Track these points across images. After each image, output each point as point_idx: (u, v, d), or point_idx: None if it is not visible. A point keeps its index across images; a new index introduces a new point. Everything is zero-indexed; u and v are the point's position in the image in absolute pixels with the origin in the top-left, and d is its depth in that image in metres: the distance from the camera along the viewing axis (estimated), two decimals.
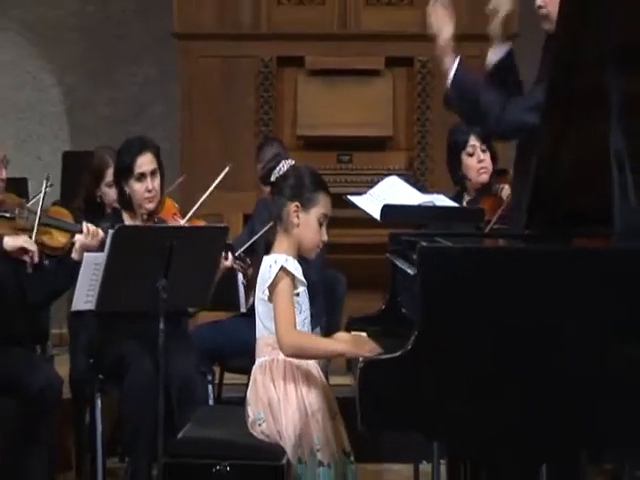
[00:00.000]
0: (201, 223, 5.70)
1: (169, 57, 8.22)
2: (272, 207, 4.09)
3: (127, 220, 5.50)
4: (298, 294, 3.93)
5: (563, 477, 3.39)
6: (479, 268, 3.28)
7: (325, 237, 4.01)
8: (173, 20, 7.97)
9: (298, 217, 3.95)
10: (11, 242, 5.05)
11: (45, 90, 9.08)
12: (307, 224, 3.96)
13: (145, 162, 5.42)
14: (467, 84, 4.63)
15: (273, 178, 4.01)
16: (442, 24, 4.76)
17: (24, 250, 5.02)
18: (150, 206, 5.48)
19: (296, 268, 3.90)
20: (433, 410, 3.24)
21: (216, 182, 5.68)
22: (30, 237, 5.08)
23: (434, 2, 4.82)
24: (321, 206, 3.98)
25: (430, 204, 5.50)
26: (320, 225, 3.98)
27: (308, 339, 3.94)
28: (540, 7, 4.62)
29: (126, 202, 5.51)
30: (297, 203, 3.95)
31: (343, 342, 3.87)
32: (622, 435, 3.31)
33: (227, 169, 5.70)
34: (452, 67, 4.66)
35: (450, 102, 4.76)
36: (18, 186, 6.17)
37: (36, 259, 5.05)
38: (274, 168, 4.02)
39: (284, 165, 4.00)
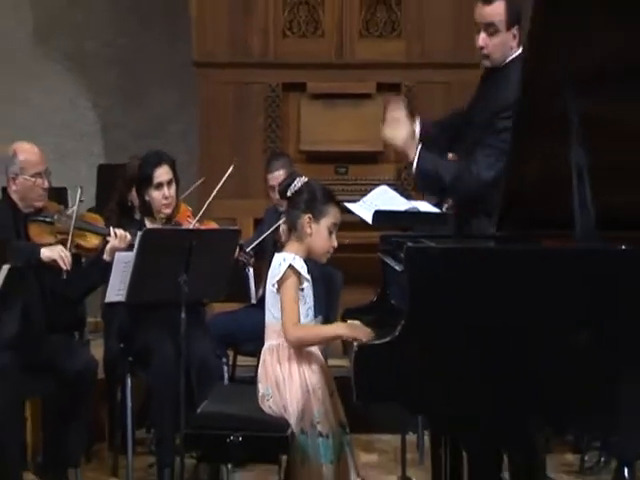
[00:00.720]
0: (212, 223, 5.73)
1: (189, 83, 8.22)
2: (287, 218, 4.08)
3: (148, 224, 5.52)
4: (303, 289, 3.93)
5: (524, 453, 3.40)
6: (458, 265, 3.27)
7: (335, 243, 4.01)
8: (193, 51, 7.99)
9: (311, 227, 3.95)
10: (47, 253, 5.03)
11: (82, 111, 9.09)
12: (318, 233, 3.95)
13: (162, 173, 5.46)
14: (429, 169, 4.59)
15: (289, 194, 4.01)
16: (397, 128, 4.76)
17: (57, 260, 5.02)
18: (167, 211, 5.52)
19: (302, 266, 3.91)
20: (416, 388, 3.22)
21: (221, 181, 5.67)
22: (65, 244, 5.09)
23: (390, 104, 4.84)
24: (331, 216, 3.97)
25: (415, 210, 5.50)
26: (330, 233, 3.98)
27: (308, 331, 3.93)
28: (482, 48, 4.59)
29: (146, 209, 5.54)
30: (310, 215, 3.94)
31: (335, 327, 3.90)
32: (576, 413, 3.32)
33: (230, 169, 5.70)
34: (415, 156, 4.65)
35: (419, 186, 4.79)
36: (59, 195, 6.17)
37: (68, 268, 5.04)
38: (290, 185, 4.02)
39: (298, 182, 4.00)
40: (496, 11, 4.52)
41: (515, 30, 4.52)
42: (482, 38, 4.56)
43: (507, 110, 4.38)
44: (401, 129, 4.72)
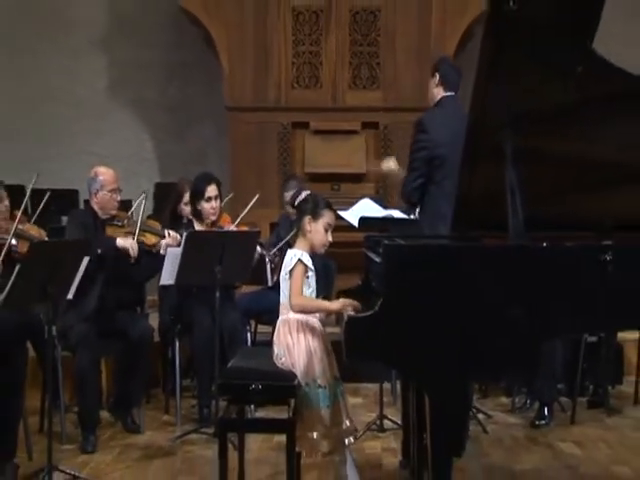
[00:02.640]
0: (245, 227, 5.74)
1: (223, 122, 8.23)
2: (296, 221, 4.05)
3: (197, 227, 5.57)
4: (309, 277, 3.88)
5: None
6: (422, 258, 3.26)
7: (330, 238, 3.95)
8: (225, 98, 8.01)
9: (310, 226, 3.90)
10: (122, 242, 5.08)
11: (143, 143, 9.09)
12: (316, 231, 3.90)
13: (211, 190, 5.51)
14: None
15: (296, 203, 3.98)
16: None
17: (128, 249, 5.05)
18: (213, 218, 5.57)
19: (308, 260, 3.85)
20: (390, 349, 3.21)
21: (249, 205, 5.72)
22: (134, 239, 5.11)
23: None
24: (326, 218, 3.91)
25: (390, 216, 5.49)
26: (326, 231, 3.94)
27: (308, 301, 3.87)
28: None
29: (197, 214, 5.57)
30: (309, 217, 3.90)
31: (330, 303, 3.86)
32: (506, 367, 3.32)
33: (256, 197, 5.74)
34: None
35: None
36: (126, 205, 6.16)
37: (135, 255, 5.09)
38: (297, 197, 3.99)
39: (303, 194, 3.98)
40: None
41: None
42: None
43: (415, 126, 4.71)
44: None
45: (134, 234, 5.17)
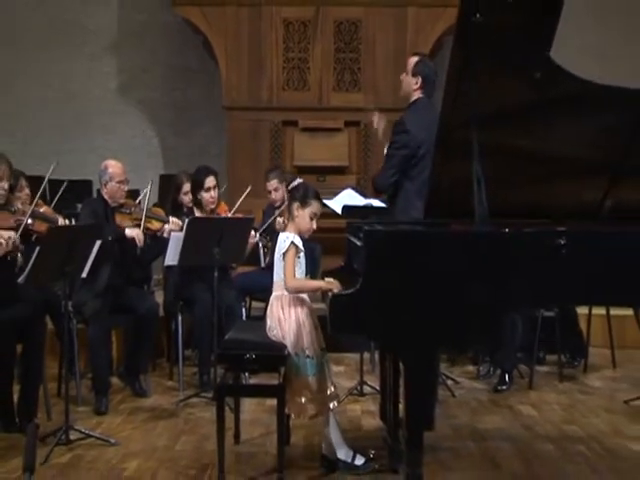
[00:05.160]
0: (240, 215, 5.70)
1: (221, 120, 8.20)
2: (287, 206, 4.03)
3: (198, 214, 5.53)
4: (299, 257, 3.87)
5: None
6: (397, 242, 3.26)
7: (314, 226, 3.92)
8: (223, 98, 7.98)
9: (298, 212, 3.89)
10: (129, 232, 5.07)
11: (149, 140, 9.02)
12: (303, 217, 3.88)
13: (210, 181, 5.49)
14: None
15: (289, 188, 3.97)
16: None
17: (135, 238, 5.05)
18: (212, 206, 5.56)
19: (299, 242, 3.84)
20: (369, 322, 3.21)
21: (243, 195, 5.71)
22: (139, 227, 5.11)
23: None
24: (313, 207, 3.88)
25: (370, 205, 5.48)
26: (311, 219, 3.92)
27: (301, 282, 3.87)
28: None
29: (198, 204, 5.55)
30: (298, 204, 3.89)
31: (321, 282, 3.85)
32: (472, 339, 3.33)
33: (248, 189, 5.72)
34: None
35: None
36: (134, 194, 6.13)
37: (142, 244, 5.09)
38: (291, 182, 3.98)
39: (296, 181, 3.97)
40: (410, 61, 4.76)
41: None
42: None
43: (397, 126, 4.59)
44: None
45: (141, 220, 5.15)
